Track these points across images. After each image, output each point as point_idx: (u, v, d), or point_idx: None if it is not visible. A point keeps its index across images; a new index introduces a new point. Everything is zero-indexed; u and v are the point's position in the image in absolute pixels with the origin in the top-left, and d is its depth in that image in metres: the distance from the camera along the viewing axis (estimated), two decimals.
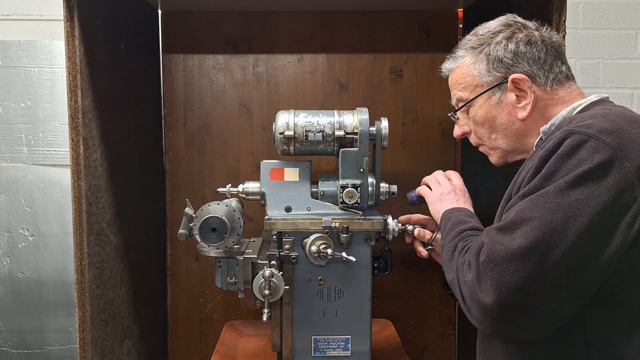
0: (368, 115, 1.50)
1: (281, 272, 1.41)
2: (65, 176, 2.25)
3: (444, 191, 1.36)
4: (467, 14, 2.04)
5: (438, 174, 1.42)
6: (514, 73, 1.15)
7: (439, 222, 1.31)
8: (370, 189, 1.50)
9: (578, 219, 0.92)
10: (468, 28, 2.00)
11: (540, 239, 0.93)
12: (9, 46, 2.26)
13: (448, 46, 2.06)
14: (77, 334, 1.49)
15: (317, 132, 1.49)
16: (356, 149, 1.49)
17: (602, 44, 2.29)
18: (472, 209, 1.32)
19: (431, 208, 1.37)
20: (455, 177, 1.41)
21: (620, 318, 0.98)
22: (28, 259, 2.31)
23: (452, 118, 1.30)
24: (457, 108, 1.27)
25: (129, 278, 1.78)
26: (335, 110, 1.52)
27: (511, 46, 1.15)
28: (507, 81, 1.15)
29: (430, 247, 1.48)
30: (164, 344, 2.15)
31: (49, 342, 2.33)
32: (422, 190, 1.43)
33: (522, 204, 0.98)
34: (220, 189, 1.58)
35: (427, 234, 1.46)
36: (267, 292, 1.36)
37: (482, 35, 1.20)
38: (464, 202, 1.33)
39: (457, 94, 1.24)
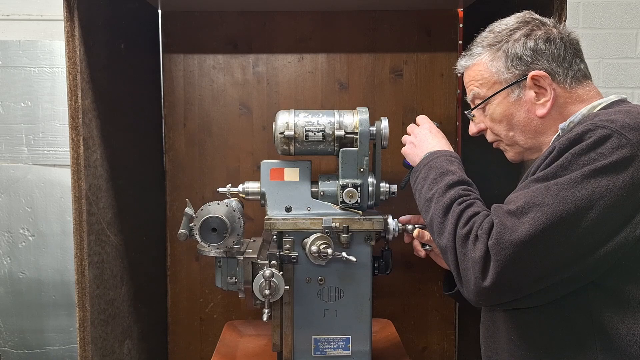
0: (368, 115, 1.50)
1: (281, 272, 1.41)
2: (65, 176, 2.25)
3: (417, 138, 1.38)
4: (467, 13, 2.04)
5: (409, 127, 1.44)
6: (533, 70, 1.14)
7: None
8: (370, 188, 1.50)
9: (589, 210, 0.93)
10: (468, 28, 2.01)
11: (548, 227, 0.94)
12: (9, 46, 2.26)
13: (448, 46, 2.10)
14: (77, 334, 1.49)
15: (317, 132, 1.49)
16: (356, 148, 1.49)
17: (603, 44, 2.29)
18: (449, 146, 1.33)
19: (411, 160, 1.38)
20: (422, 120, 1.43)
21: (627, 311, 0.99)
22: (28, 259, 2.31)
23: (468, 116, 1.29)
24: (473, 106, 1.26)
25: (129, 278, 1.78)
26: (335, 110, 1.52)
27: (530, 43, 1.14)
28: (526, 78, 1.14)
29: (428, 247, 1.48)
30: (164, 344, 2.15)
31: (49, 342, 2.33)
32: (403, 150, 1.43)
33: (536, 189, 0.98)
34: (220, 189, 1.58)
35: (427, 235, 1.45)
36: (267, 292, 1.36)
37: (499, 32, 1.19)
38: (438, 140, 1.35)
39: (474, 90, 1.23)
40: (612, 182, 0.94)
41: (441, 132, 1.39)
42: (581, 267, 0.97)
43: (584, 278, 0.99)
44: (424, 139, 1.36)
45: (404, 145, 1.43)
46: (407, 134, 1.43)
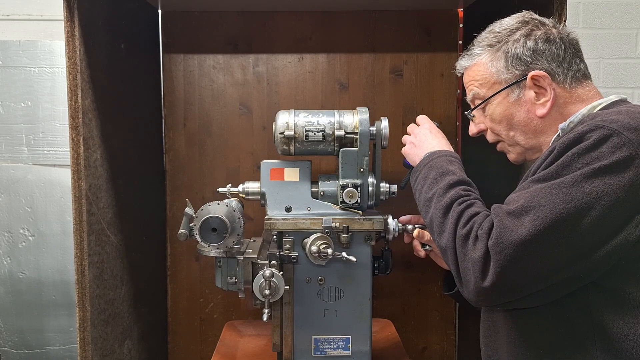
0: (368, 115, 1.50)
1: (281, 272, 1.41)
2: (65, 176, 2.25)
3: (417, 138, 1.38)
4: (467, 13, 2.04)
5: (410, 126, 1.43)
6: (533, 70, 1.14)
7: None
8: (370, 188, 1.50)
9: (589, 211, 0.93)
10: (468, 28, 2.01)
11: (549, 228, 0.94)
12: (9, 46, 2.26)
13: (448, 46, 2.10)
14: (77, 334, 1.49)
15: (317, 132, 1.49)
16: (356, 148, 1.49)
17: (602, 44, 2.29)
18: (449, 146, 1.33)
19: (412, 160, 1.38)
20: (422, 119, 1.42)
21: (627, 311, 0.99)
22: (28, 259, 2.31)
23: (468, 116, 1.29)
24: (473, 106, 1.26)
25: (129, 278, 1.78)
26: (335, 110, 1.52)
27: (530, 43, 1.14)
28: (526, 78, 1.14)
29: (428, 247, 1.48)
30: (164, 344, 2.15)
31: (49, 342, 2.33)
32: (403, 150, 1.42)
33: (536, 190, 0.98)
34: (220, 189, 1.58)
35: (427, 235, 1.45)
36: (267, 292, 1.36)
37: (499, 32, 1.19)
38: (439, 141, 1.34)
39: (474, 90, 1.23)
40: (612, 183, 0.93)
41: (441, 132, 1.39)
42: (581, 267, 0.96)
43: (584, 278, 0.99)
44: (424, 139, 1.36)
45: (404, 145, 1.43)
46: (407, 134, 1.43)
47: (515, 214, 0.98)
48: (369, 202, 1.51)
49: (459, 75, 1.30)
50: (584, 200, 0.94)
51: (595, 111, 1.10)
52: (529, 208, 0.96)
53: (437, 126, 1.41)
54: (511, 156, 1.27)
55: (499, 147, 1.28)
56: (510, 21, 1.20)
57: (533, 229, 0.94)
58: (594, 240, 0.95)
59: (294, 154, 1.52)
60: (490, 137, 1.28)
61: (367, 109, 1.51)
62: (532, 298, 1.01)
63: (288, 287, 1.43)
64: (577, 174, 0.95)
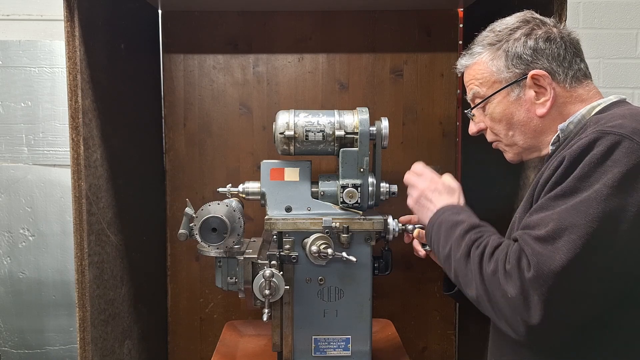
0: (368, 115, 1.50)
1: (281, 272, 1.41)
2: (65, 176, 2.25)
3: (420, 197, 1.31)
4: (467, 13, 2.04)
5: (408, 176, 1.36)
6: (533, 69, 1.13)
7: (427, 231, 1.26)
8: (370, 188, 1.50)
9: (621, 224, 0.91)
10: (468, 28, 2.01)
11: (587, 249, 0.90)
12: (9, 46, 2.26)
13: (448, 46, 2.10)
14: (77, 334, 1.49)
15: (318, 132, 1.49)
16: (356, 148, 1.49)
17: (603, 44, 2.29)
18: (451, 198, 1.27)
19: (420, 220, 1.33)
20: (420, 170, 1.35)
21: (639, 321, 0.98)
22: (28, 259, 2.31)
23: (468, 115, 1.28)
24: (473, 105, 1.25)
25: (129, 278, 1.78)
26: (335, 110, 1.52)
27: (530, 42, 1.14)
28: (526, 77, 1.14)
29: (428, 247, 1.48)
30: (164, 344, 2.15)
31: (49, 342, 2.33)
32: (408, 203, 1.35)
33: (562, 211, 0.94)
34: (220, 189, 1.58)
35: None
36: (267, 292, 1.36)
37: (499, 31, 1.18)
38: (443, 198, 1.27)
39: (474, 89, 1.22)
40: (634, 191, 0.91)
41: (442, 180, 1.32)
42: (621, 282, 0.94)
43: (624, 292, 0.96)
44: (428, 196, 1.30)
45: (407, 184, 1.37)
46: (408, 180, 1.37)
47: (546, 239, 0.93)
48: (369, 202, 1.51)
49: (460, 74, 1.30)
50: (613, 214, 0.91)
51: (594, 112, 1.10)
52: (560, 231, 0.92)
53: (436, 170, 1.35)
54: (508, 155, 1.26)
55: (495, 145, 1.27)
56: (511, 20, 1.19)
57: (572, 252, 0.90)
58: (630, 253, 0.93)
59: (294, 154, 1.52)
60: (489, 137, 1.27)
61: (367, 109, 1.51)
62: (576, 327, 0.97)
63: (288, 287, 1.43)
64: (601, 187, 0.92)
